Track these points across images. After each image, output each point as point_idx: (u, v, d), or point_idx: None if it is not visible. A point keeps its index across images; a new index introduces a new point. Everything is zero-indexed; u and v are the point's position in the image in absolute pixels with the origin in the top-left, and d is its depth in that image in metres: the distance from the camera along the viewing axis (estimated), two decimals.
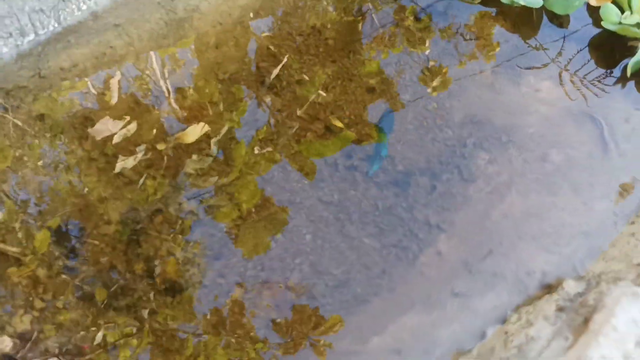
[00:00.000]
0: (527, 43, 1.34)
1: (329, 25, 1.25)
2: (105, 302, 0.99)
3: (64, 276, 1.00)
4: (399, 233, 1.08)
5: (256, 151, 1.13)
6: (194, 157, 1.09)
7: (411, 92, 1.24)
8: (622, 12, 1.40)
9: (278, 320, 1.01)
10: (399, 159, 1.16)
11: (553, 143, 1.17)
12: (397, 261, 1.06)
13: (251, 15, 1.26)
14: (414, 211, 1.10)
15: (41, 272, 0.99)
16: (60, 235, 1.04)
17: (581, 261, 1.02)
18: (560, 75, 1.28)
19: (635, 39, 1.35)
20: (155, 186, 1.06)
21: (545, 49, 1.32)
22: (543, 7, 1.35)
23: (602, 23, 1.34)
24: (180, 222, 1.06)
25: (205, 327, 0.98)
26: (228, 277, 1.05)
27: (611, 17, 1.39)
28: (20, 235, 1.01)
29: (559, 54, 1.32)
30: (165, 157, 1.10)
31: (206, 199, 1.09)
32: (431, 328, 0.99)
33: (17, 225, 1.02)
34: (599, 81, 1.27)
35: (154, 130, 1.12)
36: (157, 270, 1.01)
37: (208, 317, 1.00)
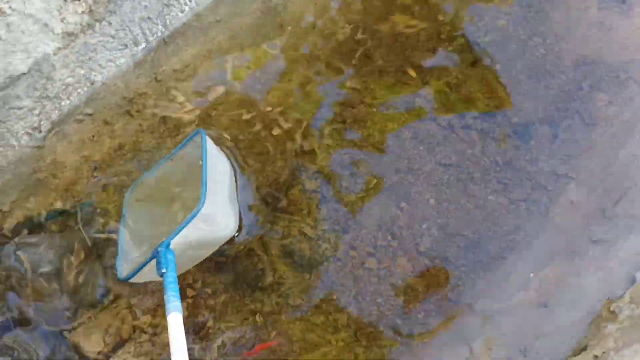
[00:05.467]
0: None
1: None
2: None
3: None
4: (526, 187, 1.07)
5: None
6: None
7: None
8: None
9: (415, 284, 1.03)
10: (514, 111, 1.13)
11: None
12: (528, 215, 1.05)
13: None
14: (538, 163, 1.08)
15: None
16: None
17: None
18: None
19: None
20: None
21: None
22: None
23: None
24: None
25: None
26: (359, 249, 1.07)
27: None
28: None
29: None
30: None
31: None
32: (576, 278, 0.99)
33: None
34: None
35: None
36: None
37: None
